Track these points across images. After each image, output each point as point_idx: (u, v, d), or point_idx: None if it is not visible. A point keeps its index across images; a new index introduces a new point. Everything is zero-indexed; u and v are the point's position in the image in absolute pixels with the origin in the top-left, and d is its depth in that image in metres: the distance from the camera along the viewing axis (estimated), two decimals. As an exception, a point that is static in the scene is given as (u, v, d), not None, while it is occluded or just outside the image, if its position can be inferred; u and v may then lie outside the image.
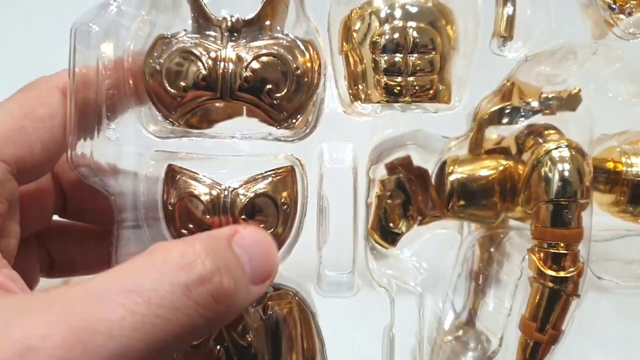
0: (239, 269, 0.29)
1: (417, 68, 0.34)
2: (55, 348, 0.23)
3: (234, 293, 0.28)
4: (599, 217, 0.37)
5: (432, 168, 0.37)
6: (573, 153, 0.33)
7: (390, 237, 0.37)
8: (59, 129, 0.32)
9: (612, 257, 0.38)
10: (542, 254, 0.33)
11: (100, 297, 0.25)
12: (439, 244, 0.39)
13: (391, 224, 0.37)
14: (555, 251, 0.33)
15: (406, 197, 0.36)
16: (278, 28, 0.34)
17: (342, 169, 0.34)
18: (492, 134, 0.37)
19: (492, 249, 0.39)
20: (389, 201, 0.36)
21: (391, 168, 0.36)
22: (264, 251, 0.31)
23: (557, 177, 0.33)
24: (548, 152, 0.33)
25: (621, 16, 0.35)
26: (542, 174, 0.33)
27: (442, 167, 0.37)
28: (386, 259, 0.38)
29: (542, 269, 0.33)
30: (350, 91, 0.36)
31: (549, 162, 0.33)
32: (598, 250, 0.37)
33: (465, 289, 0.39)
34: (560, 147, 0.33)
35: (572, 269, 0.33)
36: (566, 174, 0.33)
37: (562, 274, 0.33)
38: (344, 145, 0.35)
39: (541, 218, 0.33)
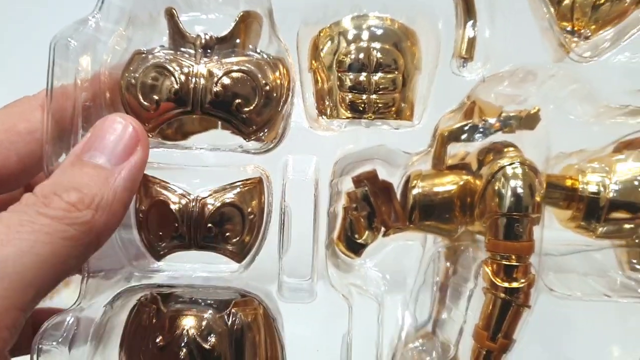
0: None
1: (380, 86, 0.35)
2: None
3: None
4: (560, 232, 0.38)
5: (397, 182, 0.38)
6: (526, 170, 0.34)
7: (356, 248, 0.38)
8: (37, 144, 0.33)
9: (569, 270, 0.39)
10: (494, 266, 0.34)
11: None
12: (402, 255, 0.40)
13: (356, 235, 0.38)
14: (507, 263, 0.34)
15: (371, 209, 0.38)
16: (250, 46, 0.36)
17: (304, 180, 0.36)
18: (460, 150, 0.38)
19: (453, 261, 0.40)
20: (355, 213, 0.38)
21: (357, 181, 0.38)
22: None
23: (509, 192, 0.34)
24: (502, 168, 0.35)
25: (577, 39, 0.37)
26: (496, 188, 0.34)
27: (407, 181, 0.38)
28: (351, 268, 0.39)
29: (494, 280, 0.34)
30: (317, 107, 0.37)
31: (502, 178, 0.34)
32: (556, 263, 0.38)
33: (430, 299, 0.40)
34: (513, 163, 0.35)
35: (523, 281, 0.34)
36: (518, 189, 0.34)
37: (513, 285, 0.34)
38: (308, 158, 0.37)
39: (494, 231, 0.34)
